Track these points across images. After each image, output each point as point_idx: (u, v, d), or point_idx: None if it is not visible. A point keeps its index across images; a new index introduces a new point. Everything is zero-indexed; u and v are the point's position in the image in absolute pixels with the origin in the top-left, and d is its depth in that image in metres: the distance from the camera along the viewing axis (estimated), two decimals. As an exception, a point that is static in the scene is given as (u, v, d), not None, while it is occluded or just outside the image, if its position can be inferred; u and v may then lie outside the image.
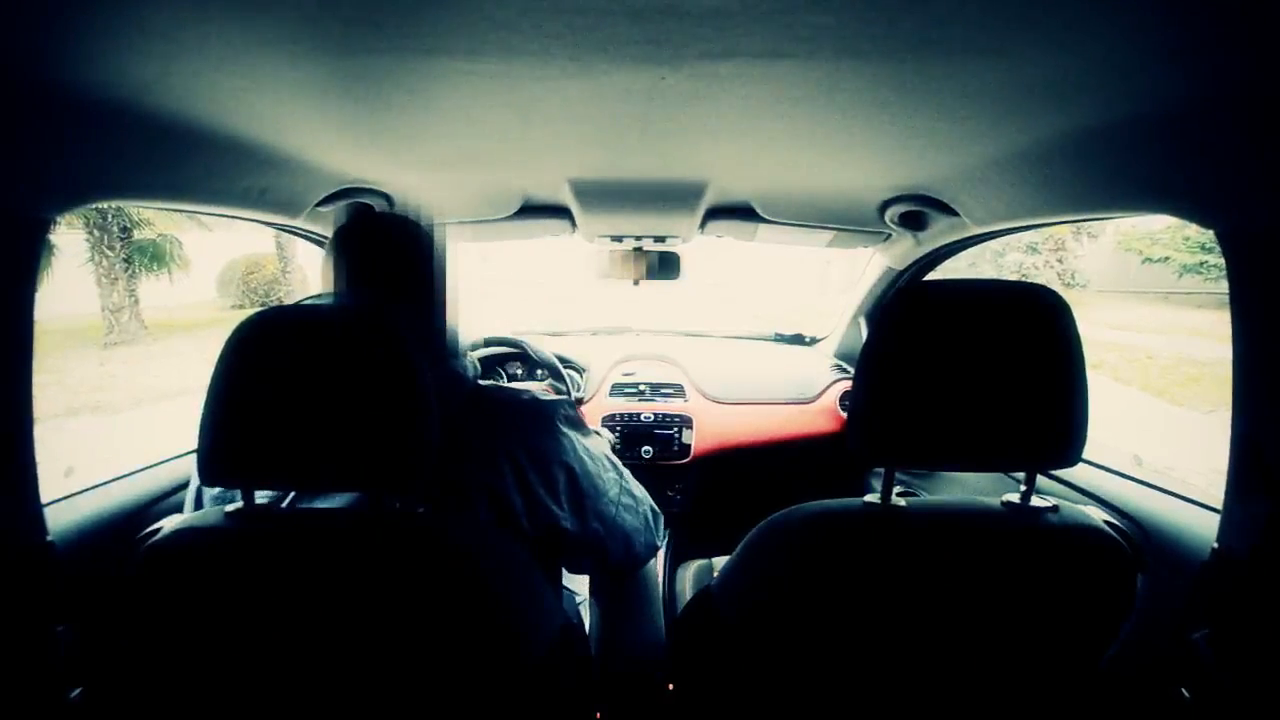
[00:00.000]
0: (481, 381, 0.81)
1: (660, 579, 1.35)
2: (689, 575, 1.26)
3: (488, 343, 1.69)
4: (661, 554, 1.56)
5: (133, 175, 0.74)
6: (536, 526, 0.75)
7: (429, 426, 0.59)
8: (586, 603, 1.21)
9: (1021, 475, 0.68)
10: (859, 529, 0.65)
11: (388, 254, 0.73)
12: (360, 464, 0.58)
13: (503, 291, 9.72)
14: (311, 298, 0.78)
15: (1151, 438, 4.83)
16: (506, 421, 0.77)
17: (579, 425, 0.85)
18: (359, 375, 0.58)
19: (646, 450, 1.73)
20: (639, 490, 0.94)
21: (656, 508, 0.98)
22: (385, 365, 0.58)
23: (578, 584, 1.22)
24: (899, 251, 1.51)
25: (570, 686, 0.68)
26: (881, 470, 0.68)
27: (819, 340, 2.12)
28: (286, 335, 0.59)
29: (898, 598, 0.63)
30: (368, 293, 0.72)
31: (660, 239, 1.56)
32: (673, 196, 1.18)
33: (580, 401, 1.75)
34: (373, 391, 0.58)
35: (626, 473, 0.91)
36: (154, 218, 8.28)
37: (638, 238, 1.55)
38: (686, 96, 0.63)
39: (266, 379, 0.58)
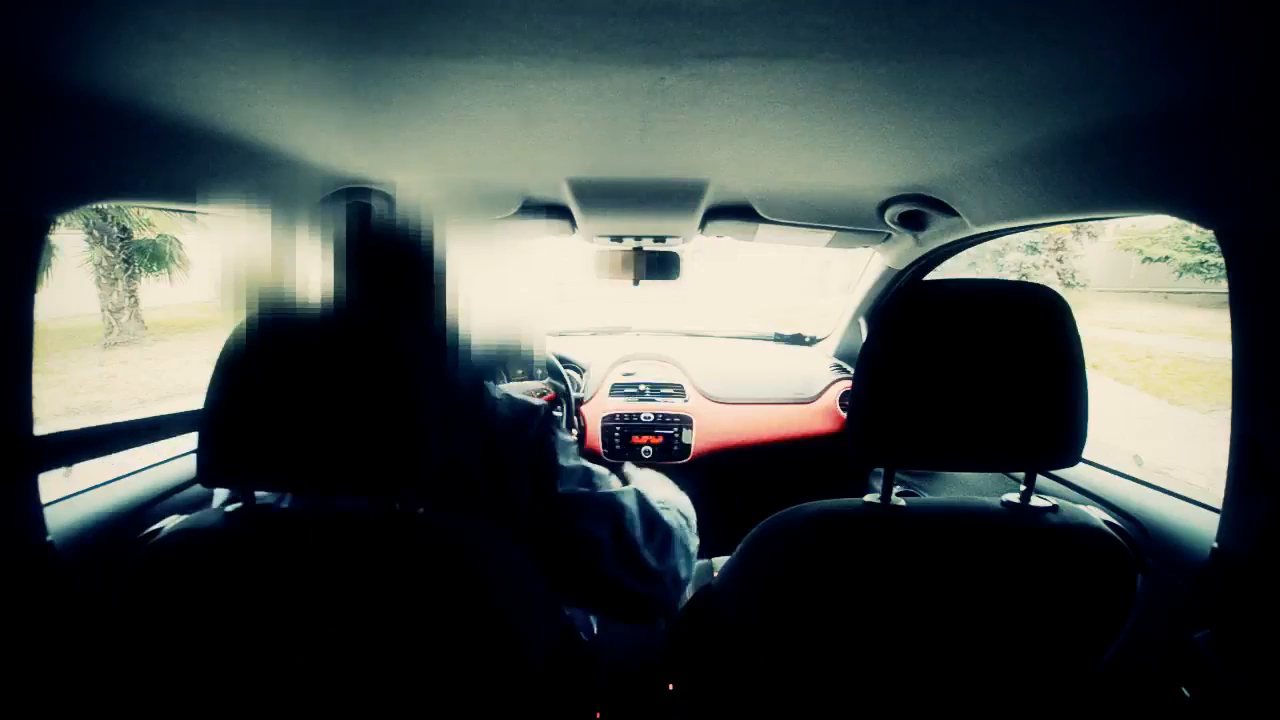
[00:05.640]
0: (492, 385, 0.83)
1: None
2: (689, 575, 1.26)
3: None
4: None
5: (133, 175, 0.74)
6: (536, 514, 0.76)
7: (429, 429, 0.59)
8: (594, 617, 1.20)
9: (1021, 475, 0.68)
10: (859, 529, 0.65)
11: (384, 259, 0.71)
12: (360, 466, 0.58)
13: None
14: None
15: (1151, 437, 4.84)
16: (501, 422, 0.79)
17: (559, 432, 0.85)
18: (358, 378, 0.58)
19: (646, 450, 1.73)
20: (679, 500, 0.93)
21: (683, 524, 0.91)
22: (384, 368, 0.58)
23: None
24: (899, 251, 1.51)
25: (570, 687, 0.68)
26: (882, 470, 0.68)
27: (819, 340, 2.12)
28: (286, 337, 0.59)
29: (898, 597, 0.63)
30: (364, 297, 0.70)
31: (660, 239, 1.56)
32: (672, 196, 1.18)
33: (580, 401, 1.75)
34: (372, 394, 0.58)
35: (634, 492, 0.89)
36: (154, 218, 8.28)
37: (637, 238, 1.55)
38: (686, 96, 0.63)
39: (266, 381, 0.58)
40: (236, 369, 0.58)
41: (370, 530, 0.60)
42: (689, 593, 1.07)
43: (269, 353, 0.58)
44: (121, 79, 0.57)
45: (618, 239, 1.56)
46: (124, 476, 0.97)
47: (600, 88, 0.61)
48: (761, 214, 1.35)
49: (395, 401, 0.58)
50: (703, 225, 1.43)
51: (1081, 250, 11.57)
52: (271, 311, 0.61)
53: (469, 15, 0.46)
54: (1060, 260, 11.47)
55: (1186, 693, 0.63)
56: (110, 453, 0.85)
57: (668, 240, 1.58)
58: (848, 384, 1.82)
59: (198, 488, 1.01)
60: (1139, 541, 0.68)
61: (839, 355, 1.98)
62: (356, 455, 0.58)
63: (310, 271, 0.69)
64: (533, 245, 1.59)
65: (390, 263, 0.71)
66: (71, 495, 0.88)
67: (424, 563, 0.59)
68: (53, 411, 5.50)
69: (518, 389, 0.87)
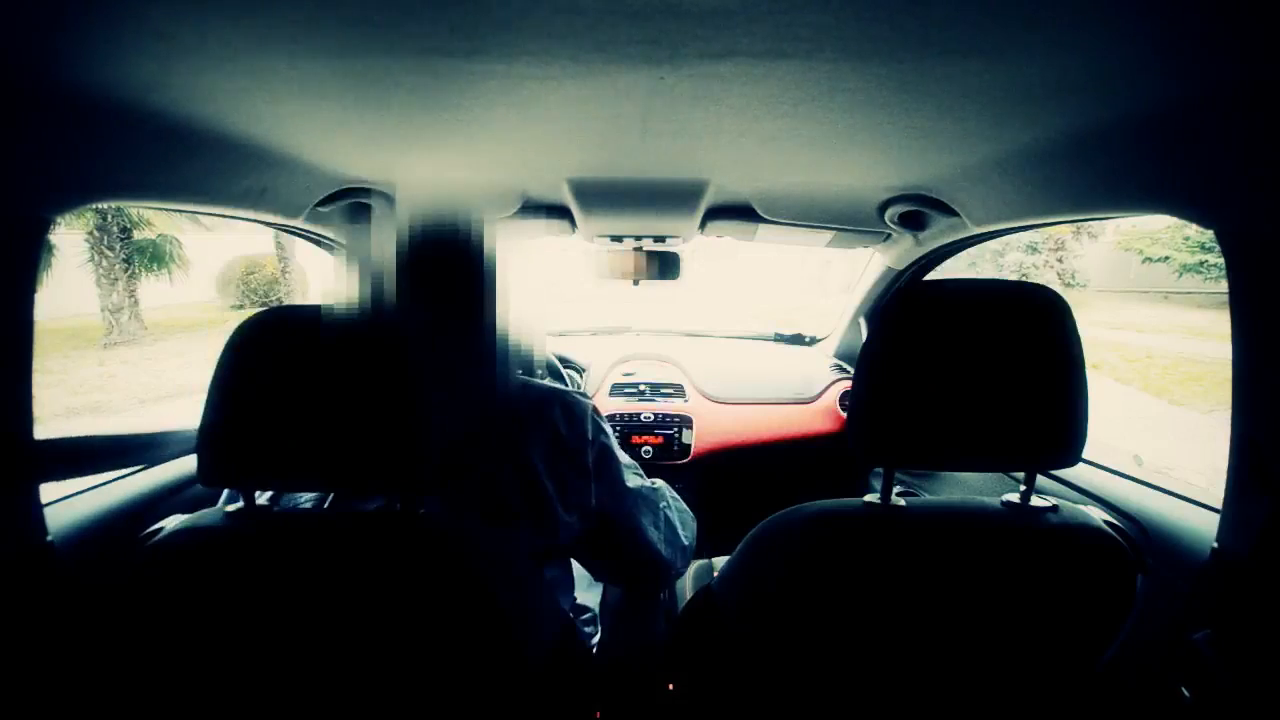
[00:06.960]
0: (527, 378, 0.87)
1: None
2: (689, 575, 1.26)
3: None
4: None
5: (133, 175, 0.74)
6: (569, 508, 0.80)
7: (428, 430, 0.59)
8: (594, 618, 1.20)
9: (1021, 475, 0.68)
10: (859, 529, 0.65)
11: (441, 264, 0.69)
12: (361, 467, 0.58)
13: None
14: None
15: (1151, 437, 4.84)
16: (540, 415, 0.83)
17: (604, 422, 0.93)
18: (359, 378, 0.58)
19: (646, 450, 1.73)
20: (675, 501, 1.03)
21: (686, 517, 1.04)
22: (384, 369, 0.58)
23: (589, 600, 1.21)
24: (899, 251, 1.51)
25: (570, 687, 0.68)
26: (882, 470, 0.68)
27: (819, 340, 2.12)
28: (288, 337, 0.59)
29: (898, 598, 0.63)
30: (418, 302, 0.68)
31: (660, 239, 1.56)
32: (672, 196, 1.18)
33: None
34: (373, 395, 0.58)
35: (662, 485, 1.02)
36: (154, 218, 8.29)
37: (637, 238, 1.55)
38: (686, 96, 0.63)
39: (267, 381, 0.58)
40: (239, 368, 0.58)
41: (371, 530, 0.60)
42: (690, 590, 1.08)
43: (272, 352, 0.58)
44: (121, 79, 0.57)
45: (618, 239, 1.56)
46: (124, 476, 0.97)
47: (600, 87, 0.61)
48: (761, 214, 1.35)
49: (398, 401, 0.58)
50: (703, 225, 1.43)
51: (1081, 250, 11.56)
52: (275, 311, 0.61)
53: (469, 14, 0.46)
54: (1060, 260, 11.46)
55: (1186, 693, 0.63)
56: (109, 470, 0.85)
57: (668, 240, 1.58)
58: (848, 384, 1.82)
59: (198, 488, 1.01)
60: (1139, 541, 0.68)
61: (839, 355, 1.98)
62: (358, 456, 0.58)
63: (339, 274, 0.67)
64: (530, 245, 1.60)
65: (445, 267, 0.70)
66: (71, 495, 0.88)
67: (425, 563, 0.59)
68: (53, 411, 5.51)
69: None
